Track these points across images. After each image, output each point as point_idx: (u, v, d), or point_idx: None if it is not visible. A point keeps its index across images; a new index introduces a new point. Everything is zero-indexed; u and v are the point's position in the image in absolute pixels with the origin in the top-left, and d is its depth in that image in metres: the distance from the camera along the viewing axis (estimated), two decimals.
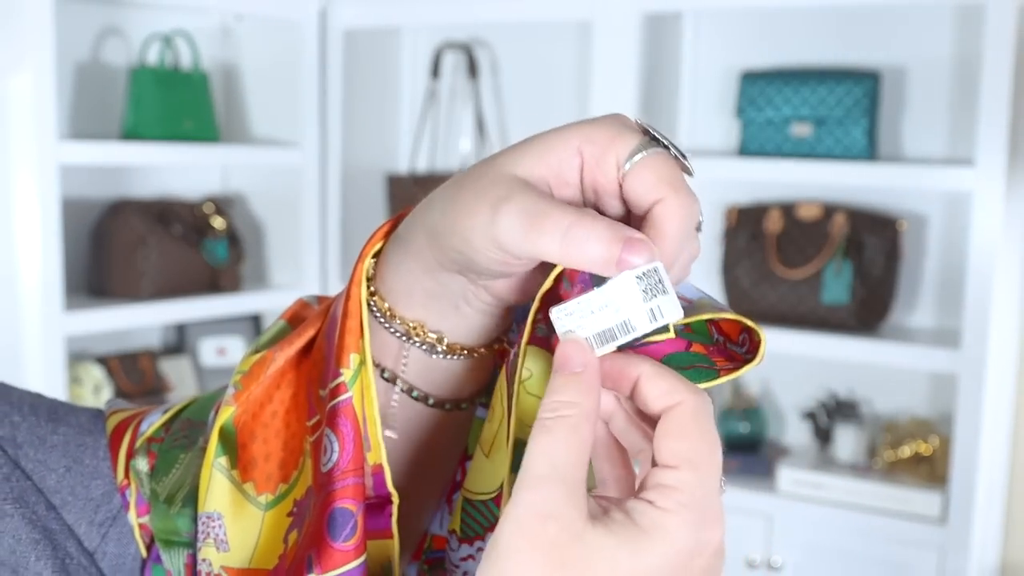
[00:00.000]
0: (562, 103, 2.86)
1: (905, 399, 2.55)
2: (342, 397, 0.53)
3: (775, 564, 2.42)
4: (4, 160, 2.26)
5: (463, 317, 0.54)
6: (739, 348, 0.50)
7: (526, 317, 0.50)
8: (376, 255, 0.55)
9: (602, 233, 0.45)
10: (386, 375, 0.56)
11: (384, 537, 0.55)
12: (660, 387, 0.46)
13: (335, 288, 2.94)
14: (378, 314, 0.54)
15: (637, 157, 0.47)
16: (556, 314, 0.46)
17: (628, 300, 0.45)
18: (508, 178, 0.48)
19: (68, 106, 2.58)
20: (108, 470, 0.63)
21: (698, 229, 0.49)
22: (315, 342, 0.58)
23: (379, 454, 0.54)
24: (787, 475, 2.44)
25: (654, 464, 0.45)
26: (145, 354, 2.70)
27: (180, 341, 2.88)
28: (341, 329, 0.54)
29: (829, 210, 2.46)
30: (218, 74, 2.88)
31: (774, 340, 2.41)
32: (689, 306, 0.49)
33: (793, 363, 2.60)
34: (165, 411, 0.64)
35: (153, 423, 0.63)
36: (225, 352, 2.92)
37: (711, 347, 0.50)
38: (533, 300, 0.49)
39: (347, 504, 0.52)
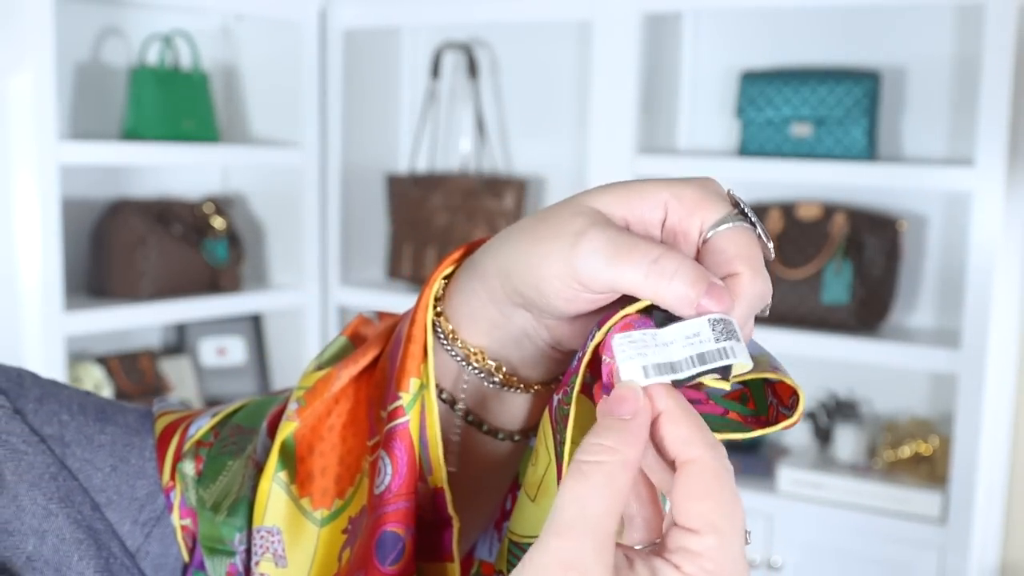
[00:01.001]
0: (562, 103, 2.86)
1: (905, 399, 2.55)
2: (399, 421, 0.54)
3: (775, 564, 2.42)
4: (4, 160, 2.26)
5: (523, 352, 0.54)
6: (787, 410, 0.49)
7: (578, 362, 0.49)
8: (447, 277, 0.55)
9: (689, 271, 0.46)
10: (444, 396, 0.56)
11: (444, 560, 0.55)
12: (677, 434, 0.44)
13: (335, 288, 2.94)
14: (441, 335, 0.55)
15: (723, 227, 0.47)
16: (619, 341, 0.45)
17: (699, 338, 0.45)
18: (589, 211, 0.48)
19: (68, 106, 2.58)
20: (153, 470, 0.64)
21: (763, 314, 0.49)
22: (379, 361, 0.58)
23: (440, 476, 0.54)
24: (787, 475, 2.44)
25: (676, 522, 0.44)
26: (145, 354, 2.70)
27: (180, 341, 2.88)
28: (404, 352, 0.54)
29: (829, 210, 2.46)
30: (218, 74, 2.88)
31: (774, 340, 2.41)
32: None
33: (793, 363, 2.59)
34: (215, 414, 0.65)
35: (202, 427, 0.64)
36: (225, 352, 2.92)
37: (750, 418, 0.50)
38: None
39: (396, 528, 0.53)
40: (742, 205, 0.48)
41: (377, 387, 0.57)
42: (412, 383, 0.54)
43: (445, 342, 0.54)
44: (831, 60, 2.54)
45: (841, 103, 2.38)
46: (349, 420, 0.58)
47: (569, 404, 0.48)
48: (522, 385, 0.55)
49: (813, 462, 2.50)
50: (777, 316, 2.45)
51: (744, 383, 0.49)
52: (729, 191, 0.49)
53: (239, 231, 2.82)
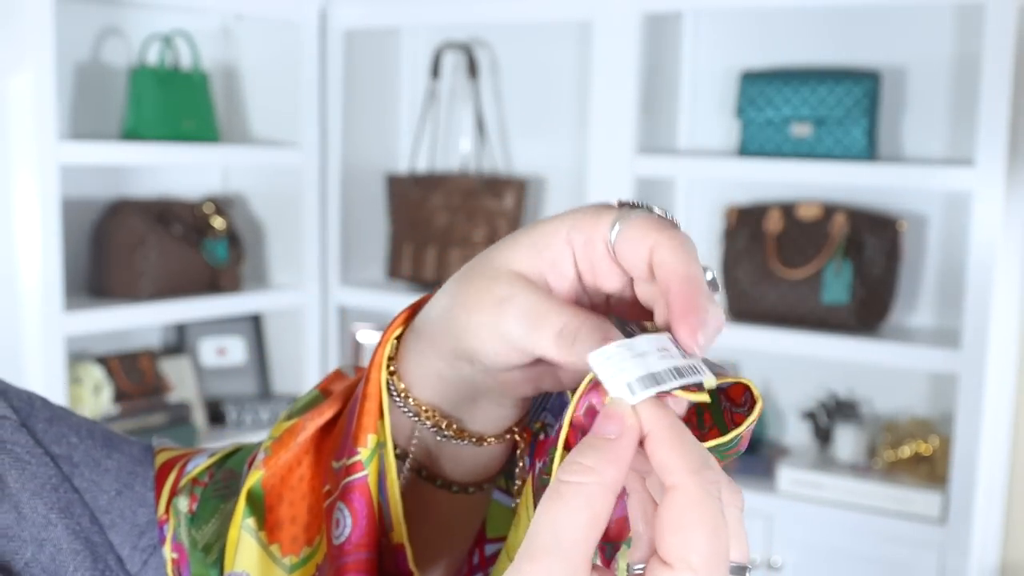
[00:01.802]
0: (562, 103, 2.86)
1: (905, 399, 2.55)
2: (357, 475, 0.55)
3: (775, 564, 2.42)
4: (4, 160, 2.26)
5: (477, 407, 0.55)
6: (742, 409, 0.49)
7: (554, 421, 0.50)
8: (399, 337, 0.57)
9: (590, 331, 0.47)
10: (397, 451, 0.57)
11: None
12: (659, 458, 0.42)
13: (335, 288, 2.94)
14: (395, 393, 0.56)
15: (618, 225, 0.48)
16: (596, 357, 0.44)
17: (668, 352, 0.44)
18: (508, 275, 0.50)
19: (68, 106, 2.58)
20: (153, 501, 0.65)
21: (713, 289, 0.48)
22: (340, 416, 0.60)
23: (401, 533, 0.55)
24: (787, 475, 2.44)
25: (656, 551, 0.42)
26: (145, 354, 2.70)
27: (180, 341, 2.88)
28: (359, 409, 0.56)
29: (829, 210, 2.46)
30: (218, 74, 2.88)
31: (774, 340, 2.41)
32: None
33: (793, 363, 2.60)
34: (212, 455, 0.67)
35: (199, 465, 0.66)
36: (225, 352, 2.92)
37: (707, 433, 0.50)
38: (550, 396, 0.50)
39: None
40: (631, 202, 0.49)
41: (334, 439, 0.59)
42: (369, 439, 0.55)
43: (398, 399, 0.56)
44: (831, 60, 2.54)
45: (841, 103, 2.38)
46: (317, 471, 0.59)
47: (549, 474, 0.48)
48: (474, 439, 0.56)
49: (813, 462, 2.50)
50: (777, 316, 2.45)
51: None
52: (618, 200, 0.50)
53: (239, 231, 2.82)
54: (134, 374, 2.64)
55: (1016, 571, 2.43)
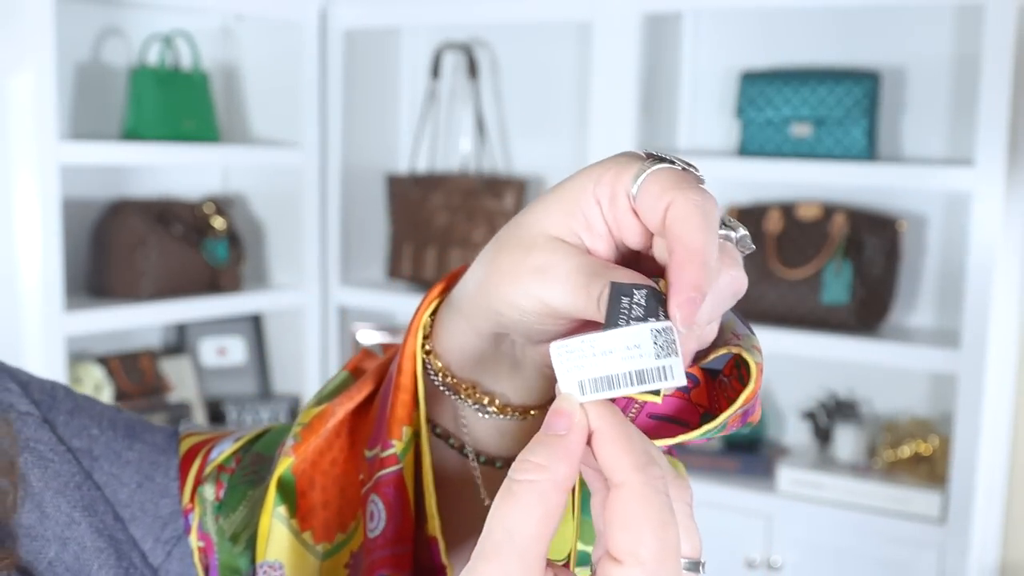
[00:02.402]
0: (562, 103, 2.86)
1: (905, 399, 2.55)
2: (392, 468, 0.54)
3: (775, 564, 2.42)
4: (5, 160, 2.27)
5: (519, 377, 0.54)
6: (726, 378, 0.48)
7: None
8: (433, 313, 0.55)
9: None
10: (452, 442, 0.56)
11: None
12: (605, 456, 0.42)
13: (335, 288, 2.94)
14: (432, 373, 0.55)
15: (640, 178, 0.46)
16: (556, 349, 0.43)
17: (640, 352, 0.42)
18: (544, 241, 0.48)
19: (68, 106, 2.58)
20: (177, 490, 0.65)
21: (743, 247, 0.47)
22: (374, 397, 0.59)
23: (434, 525, 0.55)
24: (787, 475, 2.45)
25: (606, 549, 0.42)
26: (145, 354, 2.71)
27: (180, 341, 2.88)
28: (393, 399, 0.54)
29: (829, 210, 2.46)
30: (218, 74, 2.88)
31: (774, 340, 2.41)
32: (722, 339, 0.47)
33: (793, 363, 2.61)
34: (238, 439, 0.66)
35: (224, 451, 0.65)
36: (225, 352, 2.92)
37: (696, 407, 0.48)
38: None
39: (390, 573, 0.53)
40: (655, 153, 0.47)
41: (368, 424, 0.58)
42: (404, 431, 0.54)
43: (436, 379, 0.55)
44: (831, 60, 2.54)
45: (841, 103, 2.38)
46: (351, 455, 0.58)
47: None
48: (518, 412, 0.55)
49: (813, 462, 2.50)
50: (777, 316, 2.45)
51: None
52: (643, 150, 0.48)
53: (239, 231, 2.82)
54: (134, 374, 2.64)
55: (1016, 571, 2.43)
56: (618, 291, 0.44)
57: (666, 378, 0.42)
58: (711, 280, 0.44)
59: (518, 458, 0.42)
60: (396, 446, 0.54)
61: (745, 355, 0.46)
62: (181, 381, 2.76)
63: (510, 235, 0.49)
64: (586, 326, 0.47)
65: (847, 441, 2.47)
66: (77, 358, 2.56)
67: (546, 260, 0.47)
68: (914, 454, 2.43)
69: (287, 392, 2.97)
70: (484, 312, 0.50)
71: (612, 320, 0.43)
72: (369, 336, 2.96)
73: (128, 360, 2.65)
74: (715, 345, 0.47)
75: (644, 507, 0.41)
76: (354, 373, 0.62)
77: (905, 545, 2.32)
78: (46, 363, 2.30)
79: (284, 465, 0.58)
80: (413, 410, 0.54)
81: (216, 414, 2.86)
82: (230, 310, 2.75)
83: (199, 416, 2.78)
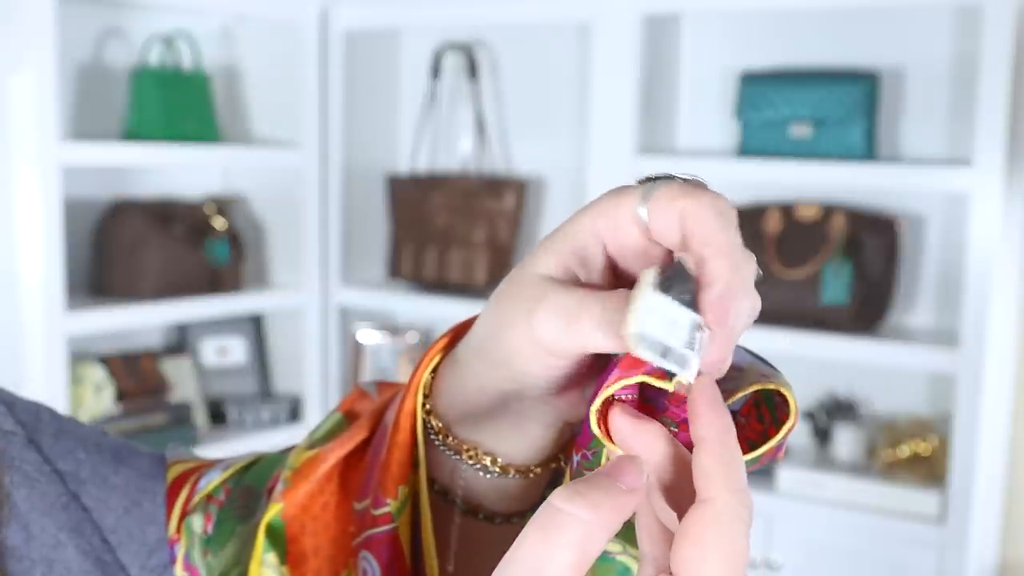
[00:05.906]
0: (562, 104, 2.86)
1: (904, 399, 2.55)
2: (386, 528, 0.53)
3: (774, 564, 2.43)
4: (6, 160, 2.27)
5: (523, 436, 0.53)
6: (762, 419, 0.46)
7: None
8: (434, 369, 0.54)
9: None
10: (436, 488, 0.55)
11: None
12: (702, 466, 0.40)
13: (335, 288, 2.94)
14: (432, 433, 0.54)
15: (646, 199, 0.45)
16: (645, 287, 0.41)
17: (675, 327, 0.41)
18: (536, 280, 0.47)
19: (69, 107, 2.59)
20: (163, 518, 0.63)
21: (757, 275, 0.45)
22: (366, 444, 0.57)
23: None
24: (786, 475, 2.45)
25: (670, 563, 0.39)
26: (146, 354, 2.71)
27: (181, 341, 2.89)
28: (387, 456, 0.53)
29: (828, 210, 2.46)
30: (219, 75, 2.89)
31: (773, 340, 2.41)
32: (739, 375, 0.45)
33: (792, 363, 2.61)
34: (226, 467, 0.64)
35: (212, 480, 0.63)
36: (226, 352, 2.93)
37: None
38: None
39: None
40: (653, 175, 0.46)
41: (360, 474, 0.57)
42: (400, 490, 0.53)
43: (436, 440, 0.54)
44: (830, 61, 2.54)
45: (840, 104, 2.38)
46: (341, 499, 0.57)
47: (591, 468, 0.46)
48: (519, 472, 0.54)
49: (812, 462, 2.50)
50: (776, 316, 2.45)
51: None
52: (637, 179, 0.47)
53: (240, 231, 2.83)
54: (135, 374, 2.65)
55: (1015, 570, 2.43)
56: (678, 272, 0.42)
57: (682, 366, 0.41)
58: (743, 277, 0.43)
59: (568, 489, 0.38)
60: (391, 505, 0.53)
61: (784, 390, 0.45)
62: (182, 381, 2.77)
63: (508, 284, 0.49)
64: (586, 367, 0.47)
65: (846, 441, 2.47)
66: (78, 358, 2.56)
67: (538, 297, 0.46)
68: (913, 454, 2.44)
69: (287, 392, 2.98)
70: (491, 365, 0.49)
71: (670, 294, 0.41)
72: (369, 336, 2.97)
73: (129, 360, 2.66)
74: (742, 382, 0.46)
75: (723, 530, 0.38)
76: (347, 416, 0.60)
77: (904, 545, 2.32)
78: (47, 363, 2.31)
79: (273, 511, 0.57)
80: (410, 470, 0.53)
81: (217, 414, 2.86)
82: (231, 310, 2.76)
83: (200, 416, 2.78)
